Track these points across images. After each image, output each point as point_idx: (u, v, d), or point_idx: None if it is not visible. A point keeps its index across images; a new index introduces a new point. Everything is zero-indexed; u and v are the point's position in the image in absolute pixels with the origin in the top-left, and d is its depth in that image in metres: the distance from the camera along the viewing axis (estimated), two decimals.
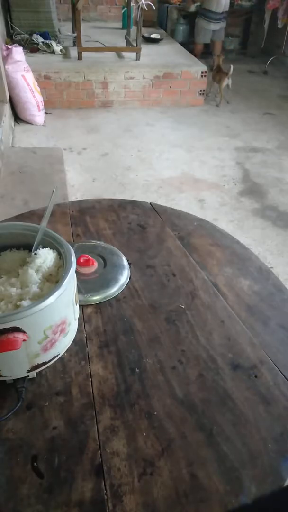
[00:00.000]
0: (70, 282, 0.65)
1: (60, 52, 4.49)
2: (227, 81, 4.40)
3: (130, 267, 0.99)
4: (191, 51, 5.13)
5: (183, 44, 5.43)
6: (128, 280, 0.95)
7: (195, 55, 5.07)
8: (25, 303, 0.64)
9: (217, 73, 4.48)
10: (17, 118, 3.84)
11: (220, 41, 5.64)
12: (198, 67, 4.40)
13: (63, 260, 0.70)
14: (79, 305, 0.82)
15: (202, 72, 4.39)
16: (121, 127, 3.95)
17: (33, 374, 0.69)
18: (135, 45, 4.41)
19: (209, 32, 5.39)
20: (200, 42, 5.54)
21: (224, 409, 0.69)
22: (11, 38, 4.54)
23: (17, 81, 3.55)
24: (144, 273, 0.98)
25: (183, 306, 0.89)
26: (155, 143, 3.68)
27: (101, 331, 0.82)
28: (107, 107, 4.36)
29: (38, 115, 3.80)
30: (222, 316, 0.87)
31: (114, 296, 0.91)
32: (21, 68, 3.57)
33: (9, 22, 4.58)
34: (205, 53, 5.72)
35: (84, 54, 4.28)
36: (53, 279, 0.70)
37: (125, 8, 5.17)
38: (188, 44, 5.76)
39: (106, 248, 1.03)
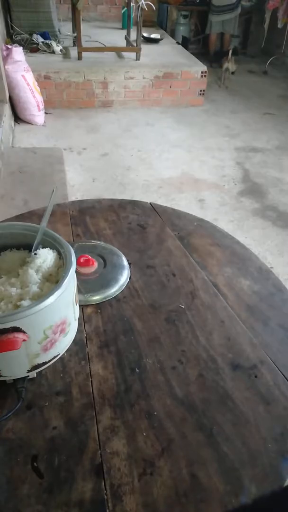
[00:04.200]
0: (70, 282, 0.65)
1: (60, 52, 4.49)
2: (226, 64, 4.93)
3: (130, 267, 0.99)
4: (191, 51, 5.17)
5: (182, 44, 5.45)
6: (128, 280, 0.95)
7: (210, 48, 5.92)
8: (25, 303, 0.64)
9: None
10: (17, 118, 3.84)
11: (228, 35, 5.96)
12: (198, 67, 4.40)
13: (63, 260, 0.70)
14: (79, 305, 0.82)
15: (202, 72, 4.39)
16: (121, 127, 3.95)
17: (33, 374, 0.69)
18: (135, 45, 4.41)
19: (217, 23, 5.73)
20: (210, 33, 5.90)
21: (224, 409, 0.69)
22: (11, 38, 4.54)
23: (17, 81, 3.55)
24: (144, 273, 0.98)
25: (183, 306, 0.89)
26: (155, 143, 3.68)
27: (101, 331, 0.82)
28: (107, 107, 4.36)
29: (38, 115, 3.80)
30: (222, 316, 0.87)
31: (114, 296, 0.91)
32: (21, 68, 3.57)
33: (9, 22, 4.58)
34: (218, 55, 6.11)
35: (84, 54, 4.28)
36: (53, 279, 0.70)
37: (125, 8, 5.17)
38: (189, 44, 5.84)
39: (106, 248, 1.03)
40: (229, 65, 5.01)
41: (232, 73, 5.41)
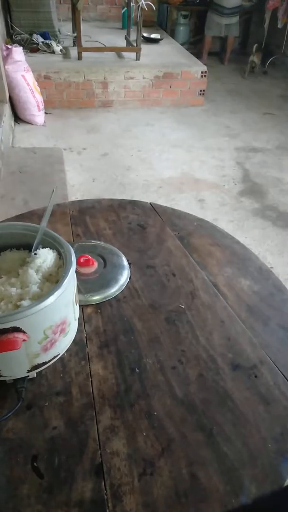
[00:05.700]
0: (70, 282, 0.65)
1: (60, 52, 4.48)
2: (252, 57, 5.47)
3: (130, 267, 0.99)
4: (191, 51, 5.16)
5: (183, 44, 5.45)
6: (128, 280, 0.95)
7: (204, 48, 5.82)
8: (25, 303, 0.64)
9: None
10: (17, 118, 3.84)
11: (233, 37, 5.93)
12: (198, 67, 4.40)
13: (63, 260, 0.70)
14: (79, 305, 0.82)
15: (202, 72, 4.39)
16: (121, 127, 3.95)
17: (33, 374, 0.69)
18: (135, 45, 4.41)
19: (221, 26, 5.63)
20: (209, 35, 5.78)
21: (224, 409, 0.68)
22: (11, 38, 4.54)
23: (17, 81, 3.55)
24: (144, 273, 0.98)
25: (183, 306, 0.89)
26: (155, 143, 3.68)
27: (101, 331, 0.82)
28: (107, 107, 4.36)
29: (38, 115, 3.80)
30: (222, 316, 0.87)
31: (114, 296, 0.91)
32: (21, 68, 3.57)
33: (9, 22, 4.58)
34: (213, 53, 6.14)
35: (84, 54, 4.28)
36: (53, 279, 0.70)
37: (125, 8, 5.17)
38: (189, 44, 5.83)
39: (106, 248, 1.03)
40: (253, 58, 5.45)
41: (253, 68, 5.64)
